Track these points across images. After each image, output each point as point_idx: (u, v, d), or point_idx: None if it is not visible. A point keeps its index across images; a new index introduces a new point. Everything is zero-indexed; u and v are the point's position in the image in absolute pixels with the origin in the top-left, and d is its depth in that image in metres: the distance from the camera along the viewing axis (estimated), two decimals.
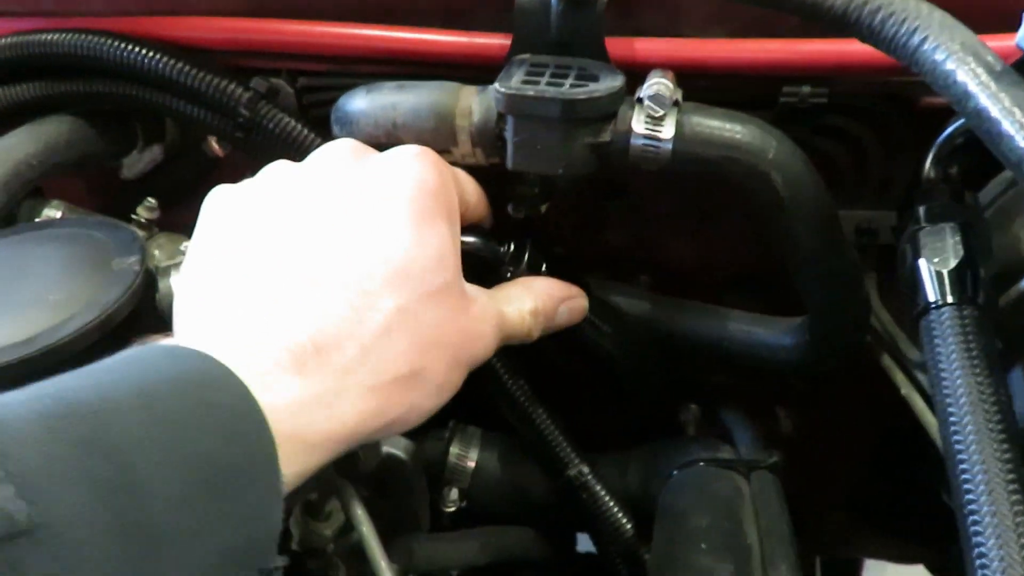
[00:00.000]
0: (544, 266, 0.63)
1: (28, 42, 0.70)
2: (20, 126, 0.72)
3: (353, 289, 0.46)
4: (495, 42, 0.64)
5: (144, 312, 0.54)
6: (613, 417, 0.87)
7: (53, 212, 0.71)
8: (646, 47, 0.61)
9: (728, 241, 0.77)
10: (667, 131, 0.54)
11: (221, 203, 0.53)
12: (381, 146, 0.59)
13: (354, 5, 0.68)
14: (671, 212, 0.77)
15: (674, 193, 0.75)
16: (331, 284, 0.46)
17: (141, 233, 0.62)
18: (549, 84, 0.55)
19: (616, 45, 0.60)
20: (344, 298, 0.45)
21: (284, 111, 0.69)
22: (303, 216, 0.49)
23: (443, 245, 0.49)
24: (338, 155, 0.54)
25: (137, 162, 0.80)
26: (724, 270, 0.79)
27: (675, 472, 0.68)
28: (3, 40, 0.71)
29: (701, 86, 0.60)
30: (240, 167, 0.80)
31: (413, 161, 0.52)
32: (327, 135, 0.69)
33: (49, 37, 0.70)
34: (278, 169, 0.55)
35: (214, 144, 0.80)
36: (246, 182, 0.54)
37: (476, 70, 0.66)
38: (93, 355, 0.51)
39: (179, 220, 0.75)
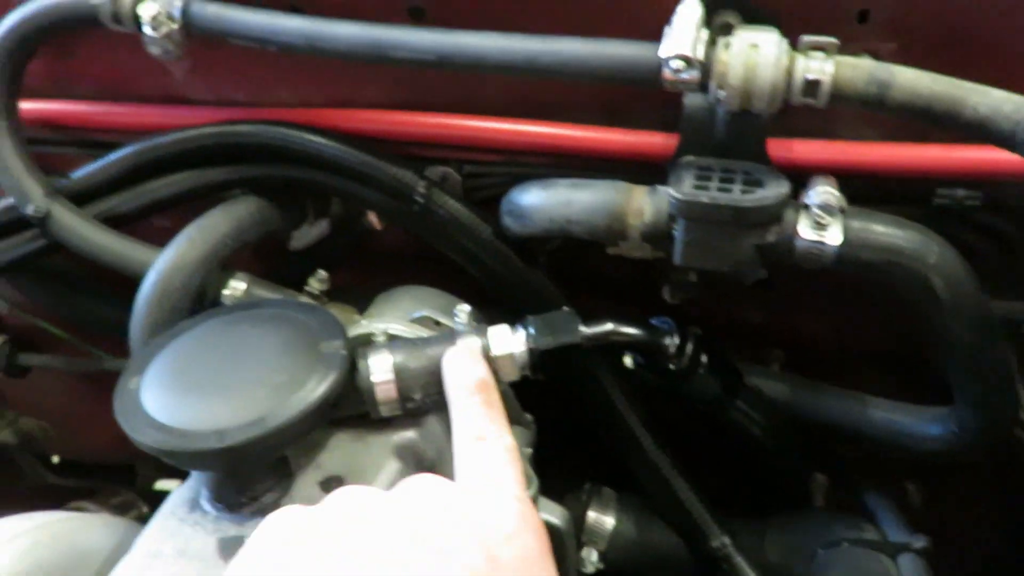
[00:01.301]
0: (704, 359, 0.66)
1: (226, 132, 0.78)
2: (211, 205, 0.80)
3: None
4: (655, 140, 0.69)
5: (347, 391, 0.60)
6: (741, 481, 0.89)
7: (238, 283, 0.79)
8: (804, 149, 0.65)
9: (865, 320, 0.80)
10: (833, 237, 0.58)
11: (288, 525, 0.45)
12: (551, 238, 0.64)
13: (519, 101, 0.74)
14: (809, 291, 0.80)
15: (814, 273, 0.78)
16: None
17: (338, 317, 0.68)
18: (719, 190, 0.59)
19: (775, 146, 0.64)
20: None
21: (452, 196, 0.75)
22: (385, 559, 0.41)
23: None
24: (427, 491, 0.45)
25: (306, 235, 0.88)
26: (860, 348, 0.82)
27: (820, 551, 0.71)
28: (204, 129, 0.79)
29: (855, 185, 0.64)
30: (394, 238, 0.87)
31: (516, 517, 0.44)
32: (488, 217, 0.75)
33: (245, 128, 0.77)
34: (358, 497, 0.46)
35: (373, 218, 0.87)
36: (319, 506, 0.46)
37: (636, 165, 0.71)
38: (310, 430, 0.58)
39: (338, 285, 0.82)
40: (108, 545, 0.65)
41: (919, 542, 0.69)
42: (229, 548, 0.57)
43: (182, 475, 1.45)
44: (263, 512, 0.59)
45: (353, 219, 0.88)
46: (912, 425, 0.69)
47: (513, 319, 0.65)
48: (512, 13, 0.68)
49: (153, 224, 0.86)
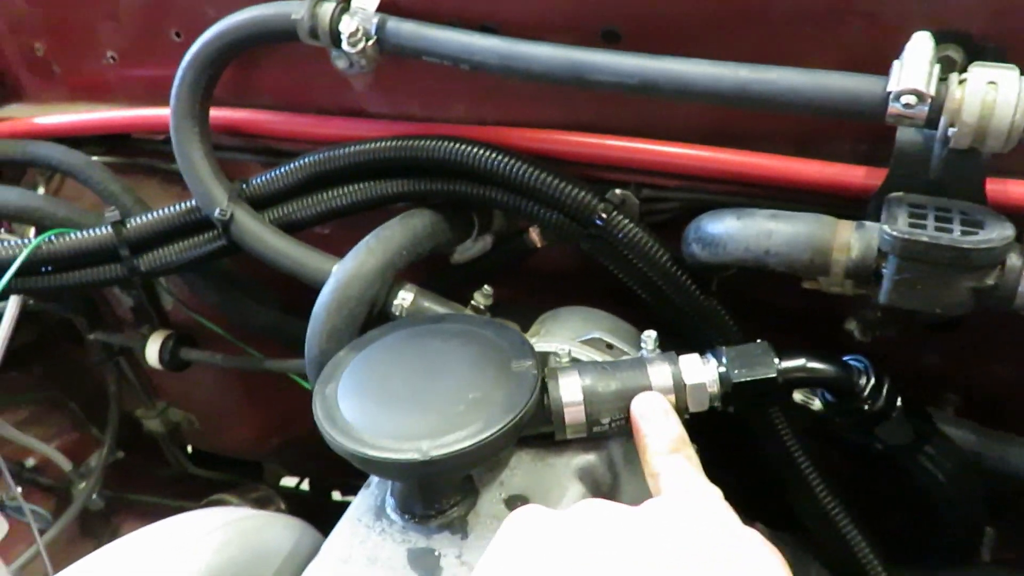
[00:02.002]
0: (899, 401, 0.64)
1: (404, 146, 0.80)
2: (376, 216, 0.82)
3: None
4: (856, 173, 0.67)
5: (536, 411, 0.60)
6: (907, 527, 0.86)
7: (407, 293, 0.80)
8: (1022, 191, 0.62)
9: None
10: None
11: (535, 527, 0.46)
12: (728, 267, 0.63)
13: (706, 128, 0.73)
14: (995, 335, 0.76)
15: (1004, 317, 0.75)
16: None
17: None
18: (937, 229, 0.57)
19: (992, 186, 0.61)
20: None
21: (630, 219, 0.75)
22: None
23: None
24: (686, 515, 0.45)
25: (469, 249, 0.88)
26: None
27: None
28: (382, 142, 0.81)
29: None
30: (551, 256, 0.87)
31: (770, 552, 0.44)
32: (663, 242, 0.75)
33: (424, 143, 0.79)
34: (605, 517, 0.46)
35: (534, 235, 0.87)
36: (563, 514, 0.46)
37: (828, 198, 0.69)
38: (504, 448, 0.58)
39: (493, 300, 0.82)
40: (287, 545, 0.67)
41: None
42: (419, 560, 0.58)
43: (303, 473, 1.48)
44: (450, 526, 0.60)
45: (515, 236, 0.89)
46: None
47: (683, 347, 0.64)
48: (709, 41, 0.67)
49: (313, 231, 0.89)
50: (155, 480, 1.32)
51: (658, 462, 0.54)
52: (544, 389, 0.61)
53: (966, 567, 0.76)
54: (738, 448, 0.78)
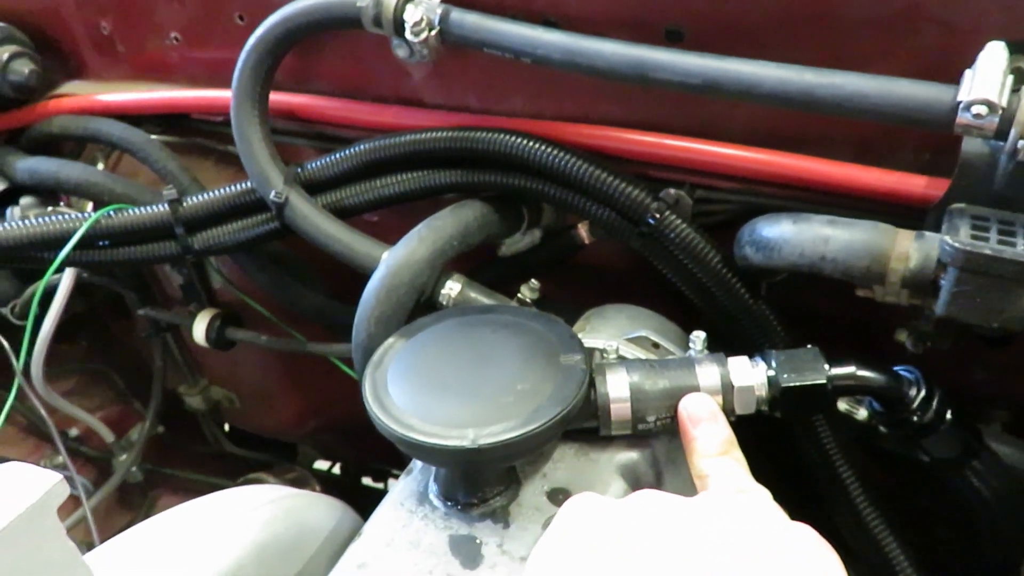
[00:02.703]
0: (948, 415, 0.63)
1: (461, 137, 0.80)
2: (426, 206, 0.83)
3: None
4: (918, 183, 0.66)
5: (583, 405, 0.60)
6: (948, 545, 0.85)
7: (454, 283, 0.80)
8: None
9: None
10: None
11: (590, 518, 0.46)
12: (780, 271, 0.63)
13: (762, 129, 0.73)
14: None
15: None
16: None
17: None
18: (1000, 242, 0.56)
19: None
20: None
21: (682, 219, 0.75)
22: (708, 565, 0.41)
23: None
24: (740, 512, 0.45)
25: (519, 242, 0.89)
26: None
27: None
28: (438, 132, 0.81)
29: None
30: (599, 253, 0.87)
31: (816, 540, 0.44)
32: (714, 243, 0.74)
33: (480, 135, 0.79)
34: (660, 507, 0.46)
35: (583, 231, 0.87)
36: (621, 503, 0.47)
37: (887, 206, 0.68)
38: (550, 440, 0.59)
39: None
40: (328, 524, 0.67)
41: None
42: (460, 546, 0.58)
43: (335, 457, 1.50)
44: (492, 515, 0.60)
45: (564, 231, 0.89)
46: None
47: (729, 350, 0.64)
48: (774, 43, 0.67)
49: (362, 217, 0.90)
50: (193, 456, 1.35)
51: (706, 464, 0.54)
52: (592, 384, 0.61)
53: None
54: (779, 455, 0.78)
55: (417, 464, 0.66)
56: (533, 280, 0.83)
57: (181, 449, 1.34)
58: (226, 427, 1.44)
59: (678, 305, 0.80)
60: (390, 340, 0.65)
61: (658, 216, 0.74)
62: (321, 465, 1.54)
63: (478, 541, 0.59)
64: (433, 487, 0.62)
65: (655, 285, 0.81)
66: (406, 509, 0.62)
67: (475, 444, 0.54)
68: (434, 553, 0.58)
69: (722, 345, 0.68)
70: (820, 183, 0.70)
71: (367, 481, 1.51)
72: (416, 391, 0.60)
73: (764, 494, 0.50)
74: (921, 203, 0.65)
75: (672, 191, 0.75)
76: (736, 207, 0.75)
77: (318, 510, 0.67)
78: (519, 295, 0.82)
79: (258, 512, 0.62)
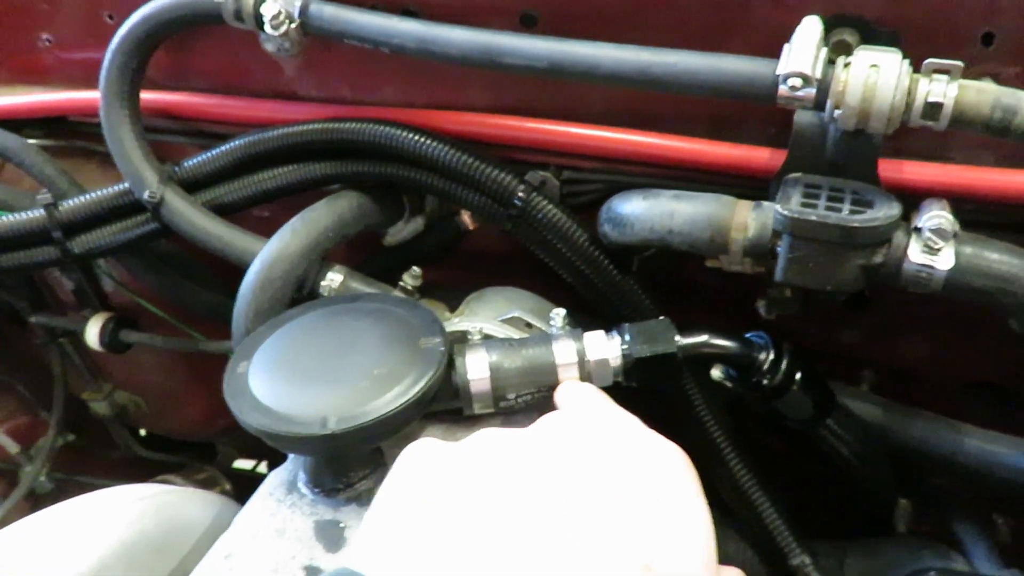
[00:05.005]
0: (798, 376, 0.66)
1: (332, 128, 0.81)
2: (310, 198, 0.83)
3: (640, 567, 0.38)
4: (761, 155, 0.69)
5: (442, 386, 0.61)
6: (822, 502, 0.88)
7: (336, 275, 0.81)
8: (916, 171, 0.64)
9: (970, 347, 0.78)
10: (944, 262, 0.57)
11: (427, 459, 0.45)
12: (647, 247, 0.65)
13: (621, 110, 0.75)
14: (908, 315, 0.78)
15: (915, 298, 0.77)
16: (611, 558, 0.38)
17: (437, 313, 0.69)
18: (828, 208, 0.59)
19: (886, 167, 0.63)
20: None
21: (549, 200, 0.76)
22: (553, 487, 0.40)
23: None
24: (578, 426, 0.46)
25: (401, 231, 0.90)
26: (961, 376, 0.80)
27: None
28: (310, 125, 0.82)
29: (966, 209, 0.63)
30: (485, 238, 0.89)
31: (671, 443, 0.45)
32: (583, 224, 0.76)
33: (350, 126, 0.80)
34: (504, 437, 0.46)
35: (466, 218, 0.88)
36: (455, 447, 0.46)
37: (738, 179, 0.71)
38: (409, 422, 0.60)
39: (428, 282, 0.84)
40: (206, 520, 0.68)
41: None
42: (325, 531, 0.59)
43: (258, 455, 1.49)
44: (358, 499, 0.61)
45: (447, 218, 0.90)
46: (1010, 457, 0.68)
47: (604, 325, 0.66)
48: (625, 25, 0.69)
49: (252, 213, 0.90)
50: (105, 463, 1.33)
51: (563, 390, 0.56)
52: (451, 365, 0.63)
53: (880, 539, 0.78)
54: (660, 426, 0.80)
55: (291, 455, 0.67)
56: (415, 268, 0.83)
57: (93, 456, 1.32)
58: (142, 432, 1.42)
59: (563, 286, 0.81)
60: (255, 333, 0.66)
61: (524, 197, 0.75)
62: (246, 464, 1.54)
63: (342, 525, 0.60)
64: (302, 476, 0.63)
65: (540, 267, 0.82)
66: (275, 499, 0.63)
67: (330, 430, 0.55)
68: (299, 539, 0.59)
69: (600, 322, 0.70)
70: (675, 159, 0.72)
71: None
72: (276, 382, 0.60)
73: (615, 408, 0.50)
74: (766, 175, 0.68)
75: (538, 173, 0.77)
76: (602, 187, 0.77)
77: (193, 506, 0.67)
78: (400, 283, 0.83)
79: (124, 511, 0.62)
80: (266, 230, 0.84)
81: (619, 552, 0.37)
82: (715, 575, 0.40)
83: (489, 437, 0.46)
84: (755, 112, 0.70)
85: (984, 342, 0.76)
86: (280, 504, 0.62)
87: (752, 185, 0.70)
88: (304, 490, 0.63)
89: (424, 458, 0.45)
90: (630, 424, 0.48)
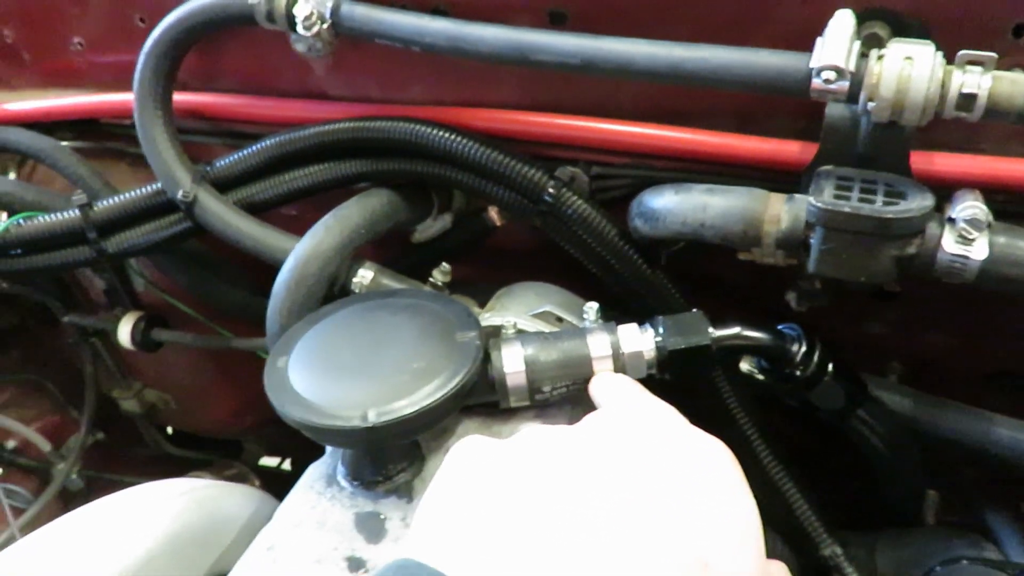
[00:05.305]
0: (830, 367, 0.66)
1: (362, 127, 0.82)
2: (339, 196, 0.84)
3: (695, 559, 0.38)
4: (791, 148, 0.69)
5: (479, 379, 0.62)
6: (852, 494, 0.88)
7: (367, 272, 0.82)
8: (947, 163, 0.64)
9: (994, 337, 0.78)
10: (979, 252, 0.57)
11: (479, 456, 0.46)
12: (675, 241, 0.66)
13: (650, 106, 0.75)
14: (937, 306, 0.79)
15: (944, 289, 0.77)
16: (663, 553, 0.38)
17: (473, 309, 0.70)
18: (861, 200, 0.59)
19: (917, 159, 0.63)
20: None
21: (579, 196, 0.77)
22: (605, 483, 0.41)
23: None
24: (623, 423, 0.47)
25: (429, 228, 0.91)
26: (987, 365, 0.80)
27: (937, 567, 0.70)
28: (340, 124, 0.83)
29: (998, 200, 0.63)
30: (512, 234, 0.89)
31: (713, 438, 0.47)
32: (613, 218, 0.77)
33: (380, 124, 0.81)
34: (552, 433, 0.46)
35: (493, 214, 0.89)
36: (506, 442, 0.47)
37: (769, 173, 0.71)
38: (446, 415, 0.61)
39: (456, 278, 0.85)
40: (246, 513, 0.69)
41: None
42: (365, 523, 0.60)
43: (282, 452, 1.51)
44: (397, 491, 0.62)
45: (475, 215, 0.91)
46: None
47: (632, 319, 0.67)
48: (653, 20, 0.69)
49: (280, 212, 0.91)
50: (135, 460, 1.35)
51: (599, 392, 0.57)
52: (487, 359, 0.63)
53: (910, 529, 0.79)
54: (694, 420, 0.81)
55: (330, 448, 0.68)
56: (444, 264, 0.84)
57: (123, 454, 1.34)
58: (169, 430, 1.44)
59: (588, 281, 0.82)
60: (293, 329, 0.67)
61: (554, 193, 0.76)
62: (271, 462, 1.55)
63: (382, 517, 0.61)
64: (341, 469, 0.64)
65: (568, 262, 0.83)
66: (315, 491, 0.64)
67: (371, 423, 0.56)
68: (340, 531, 0.60)
69: (629, 316, 0.70)
70: (704, 154, 0.72)
71: None
72: (316, 376, 0.61)
73: (659, 404, 0.51)
74: (797, 168, 0.68)
75: (568, 168, 0.78)
76: (631, 182, 0.78)
77: (234, 500, 0.69)
78: (431, 279, 0.84)
79: (168, 504, 0.63)
80: (294, 228, 0.86)
81: (676, 548, 0.38)
82: (765, 569, 0.41)
83: (539, 434, 0.46)
84: (784, 106, 0.70)
85: (1008, 331, 0.76)
86: (320, 497, 0.63)
87: (782, 179, 0.70)
88: (343, 483, 0.64)
89: (476, 454, 0.45)
90: (673, 419, 0.48)
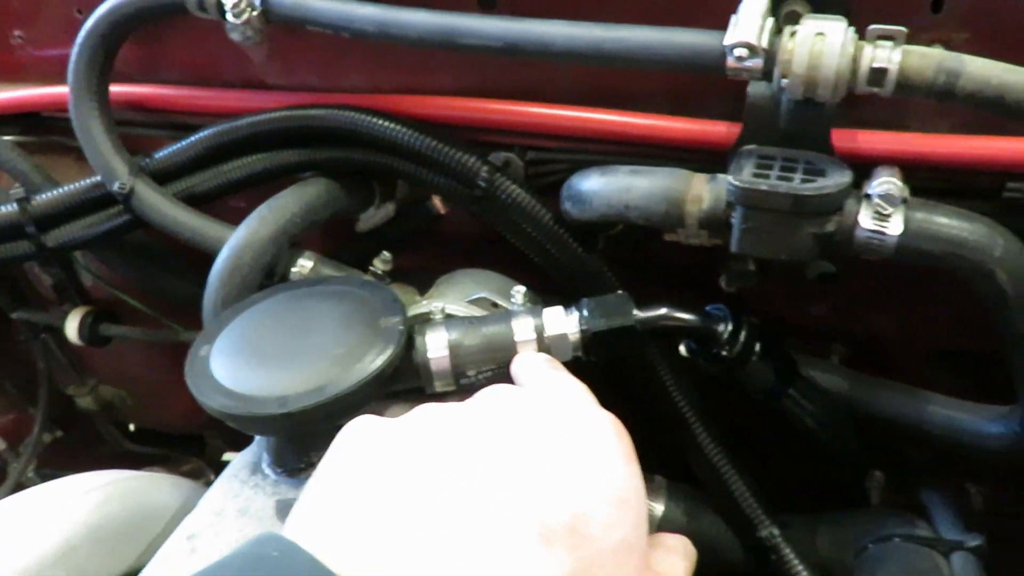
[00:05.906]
0: (757, 347, 0.66)
1: (298, 116, 0.81)
2: (283, 186, 0.84)
3: (564, 524, 0.38)
4: (718, 129, 0.69)
5: (403, 365, 0.62)
6: (799, 476, 0.88)
7: (306, 261, 0.82)
8: (870, 140, 0.64)
9: (934, 316, 0.78)
10: (894, 227, 0.57)
11: (363, 435, 0.46)
12: (611, 224, 0.65)
13: (584, 89, 0.75)
14: (875, 287, 0.79)
15: (882, 268, 0.77)
16: (522, 516, 0.38)
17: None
18: (779, 178, 0.59)
19: (840, 136, 0.63)
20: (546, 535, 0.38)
21: (514, 181, 0.77)
22: (474, 454, 0.41)
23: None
24: (509, 397, 0.48)
25: (372, 217, 0.90)
26: (927, 346, 0.80)
27: (871, 545, 0.70)
28: (277, 113, 0.82)
29: (923, 176, 0.63)
30: (458, 222, 0.89)
31: (601, 411, 0.47)
32: (548, 203, 0.76)
33: (316, 112, 0.80)
34: (437, 410, 0.47)
35: (437, 202, 0.89)
36: (396, 421, 0.47)
37: (699, 154, 0.71)
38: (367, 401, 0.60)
39: (401, 267, 0.84)
40: (175, 504, 0.68)
41: (973, 540, 0.68)
42: (286, 510, 0.60)
43: (245, 446, 1.50)
44: None
45: (418, 203, 0.90)
46: (972, 423, 0.68)
47: (570, 303, 0.66)
48: (583, 4, 0.69)
49: (228, 204, 0.90)
50: (94, 457, 1.34)
51: (516, 361, 0.57)
52: (412, 344, 0.63)
53: (851, 511, 0.79)
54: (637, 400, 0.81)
55: (258, 437, 0.68)
56: (385, 252, 0.84)
57: (81, 451, 1.33)
58: (131, 426, 1.43)
59: (534, 267, 0.82)
60: (219, 318, 0.66)
61: (487, 179, 0.75)
62: (234, 457, 1.54)
63: None
64: (265, 457, 0.64)
65: (511, 249, 0.83)
66: (239, 480, 0.64)
67: (285, 410, 0.56)
68: (260, 519, 0.60)
69: (569, 301, 0.70)
70: (636, 136, 0.72)
71: None
72: (236, 364, 0.61)
73: (563, 383, 0.51)
74: (725, 148, 0.68)
75: (502, 154, 0.77)
76: (567, 166, 0.77)
77: (161, 490, 0.68)
78: (371, 267, 0.84)
79: (89, 496, 0.63)
80: (242, 220, 0.85)
81: (543, 512, 0.38)
82: (644, 538, 0.41)
83: (425, 411, 0.47)
84: (714, 87, 0.70)
85: (950, 311, 0.77)
86: (243, 485, 0.63)
87: (714, 160, 0.70)
88: (267, 471, 0.63)
89: (360, 433, 0.46)
90: (573, 395, 0.48)
